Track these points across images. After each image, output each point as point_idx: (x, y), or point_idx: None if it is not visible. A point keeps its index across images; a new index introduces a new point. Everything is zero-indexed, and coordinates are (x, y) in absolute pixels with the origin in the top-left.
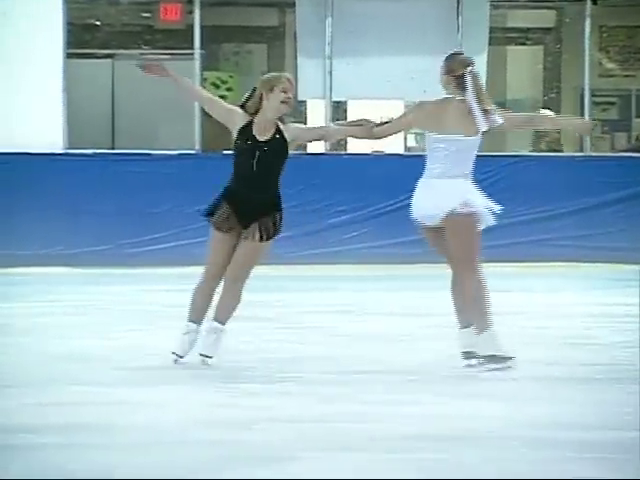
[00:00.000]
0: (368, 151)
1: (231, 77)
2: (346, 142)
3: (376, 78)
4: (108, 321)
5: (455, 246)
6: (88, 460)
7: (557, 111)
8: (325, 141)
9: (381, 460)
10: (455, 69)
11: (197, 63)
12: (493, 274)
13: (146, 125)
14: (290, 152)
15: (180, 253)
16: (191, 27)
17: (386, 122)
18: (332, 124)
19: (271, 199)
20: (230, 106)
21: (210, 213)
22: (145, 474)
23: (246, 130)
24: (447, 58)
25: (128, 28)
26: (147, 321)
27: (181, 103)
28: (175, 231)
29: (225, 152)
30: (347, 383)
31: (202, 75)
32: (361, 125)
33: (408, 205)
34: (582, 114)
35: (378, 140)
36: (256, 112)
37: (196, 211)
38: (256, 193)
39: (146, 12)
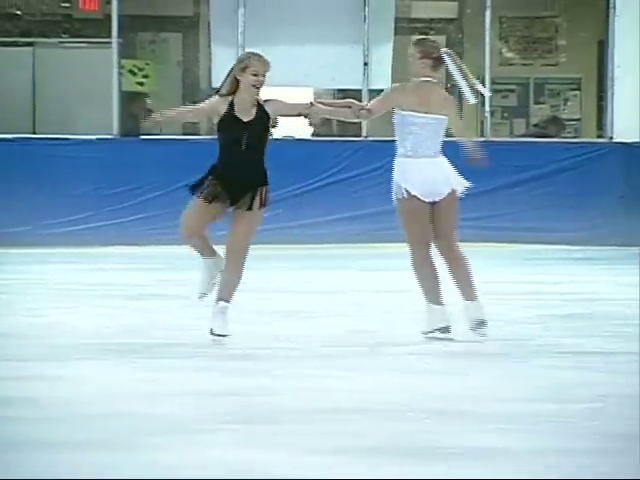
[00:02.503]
0: (278, 136)
1: (147, 65)
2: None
3: (287, 66)
4: (29, 299)
5: (452, 221)
6: (12, 432)
7: (458, 99)
8: (307, 118)
9: (288, 432)
10: (432, 52)
11: (115, 51)
12: (400, 254)
13: (66, 110)
14: None
15: (98, 234)
16: (109, 16)
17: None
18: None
19: (259, 175)
20: (210, 101)
21: (195, 186)
22: (67, 445)
23: (230, 113)
24: (418, 44)
25: (48, 17)
26: (67, 299)
27: (99, 90)
28: (93, 212)
29: (142, 137)
30: (257, 358)
31: (120, 63)
32: (349, 107)
33: (318, 188)
34: (483, 101)
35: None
36: (233, 92)
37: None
38: (246, 172)
39: (65, 2)
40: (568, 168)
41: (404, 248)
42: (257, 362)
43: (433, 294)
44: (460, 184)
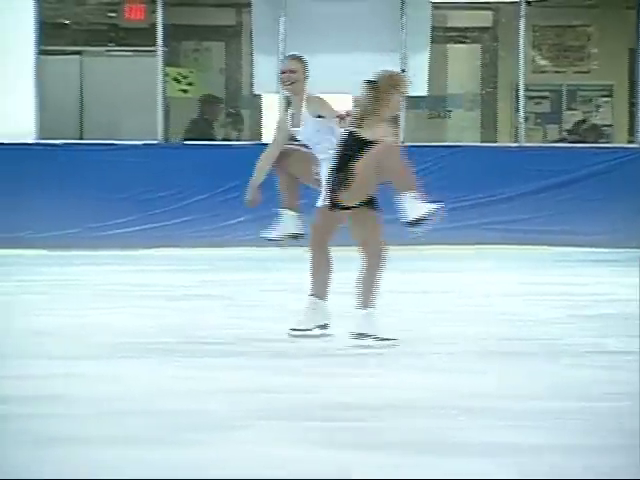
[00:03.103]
0: None
1: (191, 72)
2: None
3: (326, 74)
4: (74, 299)
5: None
6: (55, 428)
7: (494, 105)
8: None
9: (319, 429)
10: (306, 69)
11: (159, 59)
12: (436, 256)
13: (112, 117)
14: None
15: (142, 236)
16: (154, 26)
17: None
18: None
19: None
20: (387, 131)
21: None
22: (110, 442)
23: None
24: (301, 61)
25: (95, 27)
26: (112, 300)
27: (145, 97)
28: (138, 216)
29: (185, 142)
30: (293, 357)
31: (164, 71)
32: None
33: None
34: (517, 107)
35: None
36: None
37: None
38: None
39: (112, 12)
40: (600, 172)
41: (435, 250)
42: (290, 360)
43: (323, 290)
44: None
